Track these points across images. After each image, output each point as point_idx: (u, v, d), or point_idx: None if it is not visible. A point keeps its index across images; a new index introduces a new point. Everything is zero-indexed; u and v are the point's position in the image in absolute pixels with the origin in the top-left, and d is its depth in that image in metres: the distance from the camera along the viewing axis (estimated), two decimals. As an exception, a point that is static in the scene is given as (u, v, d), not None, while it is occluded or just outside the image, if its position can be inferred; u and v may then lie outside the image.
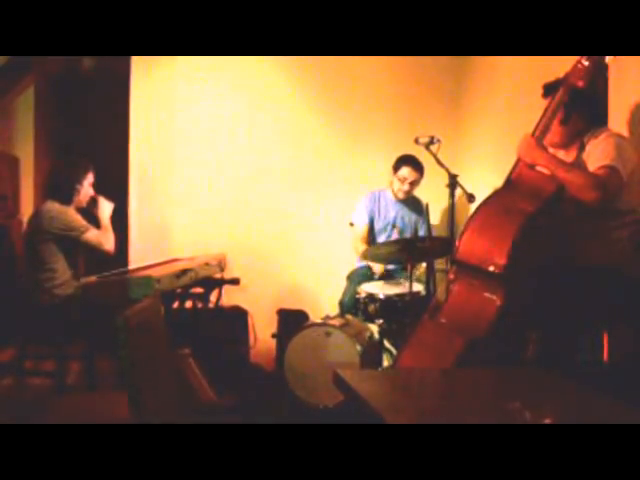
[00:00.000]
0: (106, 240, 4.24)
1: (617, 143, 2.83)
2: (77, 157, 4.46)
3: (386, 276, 4.78)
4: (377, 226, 4.98)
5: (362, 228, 5.00)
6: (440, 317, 2.99)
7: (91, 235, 4.18)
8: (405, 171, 4.81)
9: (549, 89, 3.08)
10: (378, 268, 4.76)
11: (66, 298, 4.09)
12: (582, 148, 2.96)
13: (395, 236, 4.87)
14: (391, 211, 4.96)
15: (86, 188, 4.33)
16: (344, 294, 4.81)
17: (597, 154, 2.84)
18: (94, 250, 4.22)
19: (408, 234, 4.80)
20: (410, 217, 4.96)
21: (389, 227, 4.95)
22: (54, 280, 4.12)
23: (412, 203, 4.99)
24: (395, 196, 4.91)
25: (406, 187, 4.83)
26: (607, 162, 2.77)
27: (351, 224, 5.10)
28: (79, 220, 4.20)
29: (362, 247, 4.84)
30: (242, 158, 5.48)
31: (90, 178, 4.35)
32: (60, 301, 4.09)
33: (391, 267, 4.85)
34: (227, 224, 5.44)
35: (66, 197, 4.24)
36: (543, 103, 3.08)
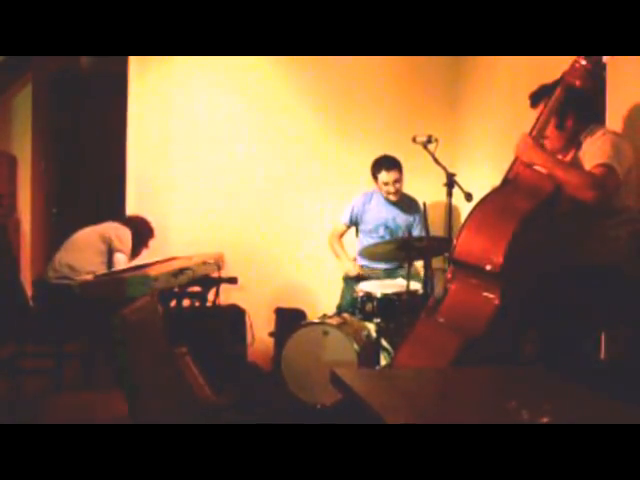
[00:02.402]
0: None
1: (613, 141, 2.83)
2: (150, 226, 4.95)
3: (367, 277, 4.80)
4: (368, 226, 4.97)
5: (340, 226, 5.09)
6: (438, 316, 2.99)
7: (121, 259, 4.55)
8: (383, 175, 4.81)
9: (535, 98, 3.10)
10: (348, 270, 4.86)
11: (65, 286, 4.15)
12: (579, 147, 2.96)
13: (388, 237, 4.87)
14: (384, 212, 4.95)
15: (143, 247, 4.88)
16: (342, 297, 4.82)
17: (593, 152, 2.83)
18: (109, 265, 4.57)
19: (400, 235, 4.81)
20: (403, 218, 4.94)
21: (381, 228, 4.95)
22: (79, 264, 4.39)
23: (406, 203, 4.98)
24: (387, 199, 4.91)
25: (392, 189, 4.83)
26: (604, 160, 2.76)
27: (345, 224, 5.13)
28: (128, 243, 4.64)
29: (336, 243, 5.06)
30: (240, 157, 5.49)
31: (149, 244, 4.93)
32: (63, 285, 4.20)
33: (388, 266, 4.86)
34: (225, 223, 5.44)
35: (140, 242, 4.81)
36: (541, 102, 3.09)
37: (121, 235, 4.61)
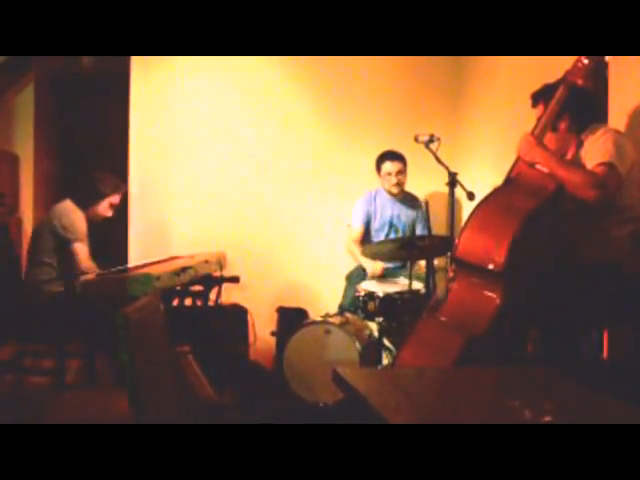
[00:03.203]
0: (86, 263, 4.24)
1: (615, 139, 2.82)
2: (114, 176, 4.59)
3: (383, 276, 4.78)
4: (375, 225, 4.98)
5: (356, 230, 5.03)
6: (440, 315, 2.99)
7: (81, 248, 4.25)
8: (387, 166, 4.85)
9: (536, 98, 3.10)
10: (373, 270, 4.74)
11: (55, 295, 4.12)
12: (580, 146, 2.96)
13: (393, 235, 4.88)
14: (388, 210, 4.96)
15: (105, 206, 4.45)
16: (344, 296, 4.81)
17: (595, 151, 2.83)
18: (71, 259, 4.24)
19: (405, 232, 4.82)
20: (407, 215, 4.96)
21: (386, 226, 4.95)
22: (50, 274, 4.20)
23: (409, 201, 5.00)
24: (390, 193, 4.91)
25: (394, 180, 4.84)
26: (605, 159, 2.75)
27: (348, 226, 5.12)
28: (81, 227, 4.29)
29: (355, 249, 4.92)
30: (242, 157, 5.49)
31: (115, 199, 4.49)
32: (51, 297, 4.13)
33: (389, 265, 4.85)
34: (227, 222, 5.44)
35: (84, 203, 4.36)
36: (542, 101, 3.09)
37: (65, 221, 4.24)
